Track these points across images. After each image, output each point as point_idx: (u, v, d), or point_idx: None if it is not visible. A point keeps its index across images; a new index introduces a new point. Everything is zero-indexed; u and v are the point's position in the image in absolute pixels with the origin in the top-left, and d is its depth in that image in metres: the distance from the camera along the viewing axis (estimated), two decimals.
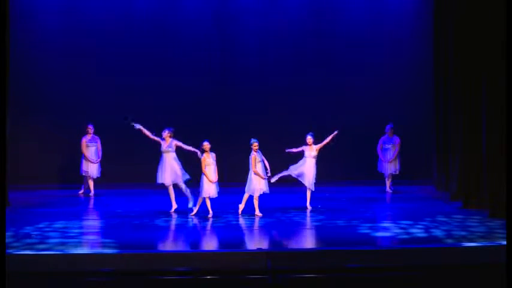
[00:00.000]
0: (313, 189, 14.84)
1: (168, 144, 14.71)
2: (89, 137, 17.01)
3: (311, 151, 14.80)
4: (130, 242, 12.16)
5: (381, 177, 17.40)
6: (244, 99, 18.51)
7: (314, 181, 14.79)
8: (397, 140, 17.17)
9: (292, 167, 14.87)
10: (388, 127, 17.22)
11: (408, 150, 17.52)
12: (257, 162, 14.08)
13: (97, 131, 17.03)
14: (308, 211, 14.62)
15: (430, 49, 17.65)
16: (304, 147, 14.88)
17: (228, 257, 10.92)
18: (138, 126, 14.80)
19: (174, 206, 14.70)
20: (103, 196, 16.79)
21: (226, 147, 17.09)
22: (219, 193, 14.07)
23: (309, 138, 14.83)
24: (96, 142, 17.00)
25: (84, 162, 16.96)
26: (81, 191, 17.23)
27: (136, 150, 17.43)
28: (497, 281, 9.60)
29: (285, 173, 14.80)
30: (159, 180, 14.72)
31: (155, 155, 17.64)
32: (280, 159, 16.49)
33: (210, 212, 14.06)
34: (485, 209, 13.90)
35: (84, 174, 17.07)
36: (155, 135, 14.78)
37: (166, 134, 14.73)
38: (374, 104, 18.43)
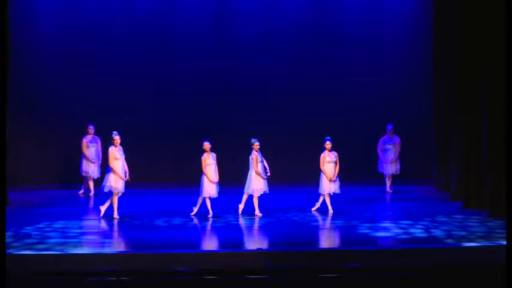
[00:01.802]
0: (338, 192, 14.50)
1: (119, 150, 13.93)
2: (89, 137, 16.99)
3: (330, 156, 14.40)
4: (131, 242, 12.17)
5: (381, 177, 17.39)
6: (245, 100, 18.47)
7: (339, 183, 14.49)
8: (397, 140, 17.15)
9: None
10: (388, 127, 17.21)
11: (408, 150, 17.50)
12: (258, 162, 14.07)
13: (97, 131, 17.00)
14: (330, 213, 14.37)
15: (430, 49, 17.65)
16: (323, 154, 14.38)
17: (228, 257, 10.93)
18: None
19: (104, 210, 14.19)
20: (103, 196, 16.76)
21: (226, 147, 17.08)
22: (219, 193, 14.08)
23: (328, 144, 14.42)
24: (97, 142, 16.97)
25: (84, 162, 16.94)
26: (81, 191, 17.22)
27: (136, 150, 17.39)
28: (497, 281, 9.60)
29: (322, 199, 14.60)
30: (118, 187, 13.85)
31: (154, 155, 17.75)
32: (280, 159, 16.52)
33: (210, 212, 14.06)
34: (485, 209, 13.91)
35: (84, 174, 17.05)
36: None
37: (117, 139, 13.90)
38: (374, 104, 18.39)
